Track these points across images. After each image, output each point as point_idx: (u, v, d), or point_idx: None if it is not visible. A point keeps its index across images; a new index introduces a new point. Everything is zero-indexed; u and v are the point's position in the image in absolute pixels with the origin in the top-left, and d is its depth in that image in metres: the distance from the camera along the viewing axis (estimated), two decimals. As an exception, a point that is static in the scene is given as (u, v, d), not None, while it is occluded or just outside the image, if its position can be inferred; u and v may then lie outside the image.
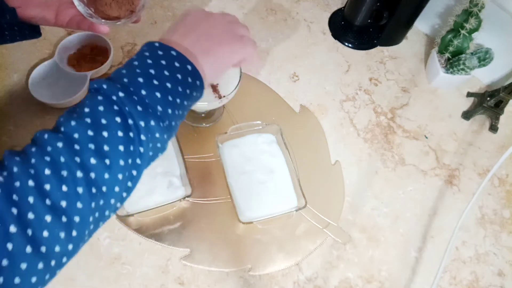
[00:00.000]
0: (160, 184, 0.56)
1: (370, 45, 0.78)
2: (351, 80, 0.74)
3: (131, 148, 0.34)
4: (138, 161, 0.35)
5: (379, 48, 0.79)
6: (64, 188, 0.29)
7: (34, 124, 0.62)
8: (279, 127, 0.61)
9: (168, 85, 0.37)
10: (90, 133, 0.32)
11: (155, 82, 0.36)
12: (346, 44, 0.78)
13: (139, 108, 0.34)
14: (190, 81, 0.39)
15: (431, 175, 0.66)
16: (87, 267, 0.53)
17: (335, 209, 0.61)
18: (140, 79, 0.36)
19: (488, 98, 0.70)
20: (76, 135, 0.32)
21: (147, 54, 0.38)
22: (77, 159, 0.31)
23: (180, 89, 0.38)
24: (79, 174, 0.30)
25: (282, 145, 0.61)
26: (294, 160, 0.63)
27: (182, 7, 0.78)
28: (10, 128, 0.61)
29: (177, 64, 0.38)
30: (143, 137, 0.34)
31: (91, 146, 0.32)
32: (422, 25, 0.81)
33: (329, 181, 0.63)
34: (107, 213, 0.34)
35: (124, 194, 0.35)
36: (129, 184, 0.35)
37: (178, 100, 0.37)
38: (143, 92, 0.35)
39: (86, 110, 0.33)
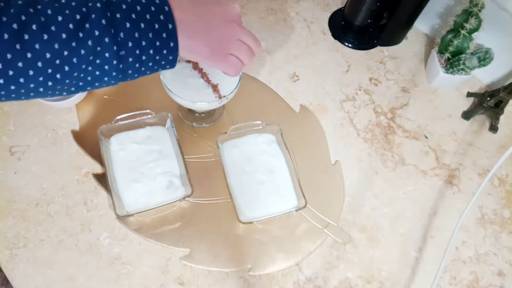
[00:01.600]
0: (160, 184, 0.56)
1: (370, 45, 0.78)
2: (351, 80, 0.74)
3: (73, 43, 0.35)
4: (74, 60, 0.36)
5: (379, 48, 0.79)
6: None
7: (34, 124, 0.62)
8: (279, 127, 0.61)
9: (142, 25, 0.38)
10: (49, 12, 0.35)
11: (133, 16, 0.38)
12: (346, 44, 0.78)
13: (103, 21, 0.36)
14: (164, 36, 0.40)
15: (431, 175, 0.66)
16: (87, 267, 0.53)
17: (335, 209, 0.61)
18: (124, 6, 0.38)
19: (488, 98, 0.70)
20: (43, 10, 0.34)
21: None
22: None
23: (150, 35, 0.39)
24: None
25: (282, 145, 0.61)
26: (294, 160, 0.63)
27: (182, 7, 0.77)
28: (10, 128, 0.61)
29: (161, 17, 0.39)
30: (89, 43, 0.36)
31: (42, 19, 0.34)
32: (422, 25, 0.81)
33: (329, 181, 0.63)
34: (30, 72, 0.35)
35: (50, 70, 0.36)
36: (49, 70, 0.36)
37: (143, 43, 0.39)
38: (118, 15, 0.37)
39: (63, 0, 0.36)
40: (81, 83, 0.39)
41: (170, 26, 0.40)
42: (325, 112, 0.70)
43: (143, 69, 0.42)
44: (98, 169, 0.60)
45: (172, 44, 0.41)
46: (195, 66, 0.57)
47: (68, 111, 0.64)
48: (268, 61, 0.74)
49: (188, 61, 0.58)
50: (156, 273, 0.54)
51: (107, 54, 0.37)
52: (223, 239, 0.57)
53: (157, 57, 0.41)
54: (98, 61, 0.38)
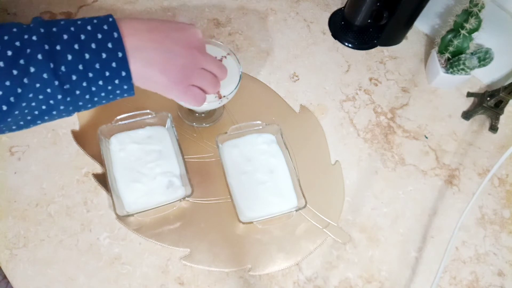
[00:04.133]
0: (160, 184, 0.56)
1: (370, 45, 0.78)
2: (351, 80, 0.74)
3: (7, 83, 0.33)
4: (11, 99, 0.34)
5: (379, 48, 0.79)
6: None
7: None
8: (279, 127, 0.61)
9: (87, 55, 0.36)
10: None
11: (76, 46, 0.35)
12: (346, 44, 0.78)
13: (39, 56, 0.34)
14: (114, 66, 0.37)
15: (431, 175, 0.66)
16: (87, 267, 0.53)
17: (335, 209, 0.61)
18: (65, 36, 0.35)
19: (488, 98, 0.70)
20: None
21: (95, 21, 0.37)
22: None
23: (97, 66, 0.36)
24: None
25: (282, 145, 0.61)
26: (294, 160, 0.63)
27: (182, 7, 0.78)
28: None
29: (109, 46, 0.37)
30: (25, 80, 0.34)
31: None
32: (422, 25, 0.81)
33: (329, 181, 0.63)
34: None
35: None
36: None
37: (90, 74, 0.36)
38: (58, 47, 0.34)
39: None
40: (28, 117, 0.37)
41: (120, 54, 0.37)
42: (325, 112, 0.70)
43: (96, 99, 0.39)
44: (98, 169, 0.60)
45: (124, 74, 0.38)
46: (195, 66, 0.57)
47: (68, 111, 0.64)
48: (268, 61, 0.74)
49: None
50: (156, 273, 0.54)
51: (49, 90, 0.35)
52: (223, 239, 0.57)
53: (109, 87, 0.38)
54: (40, 97, 0.35)
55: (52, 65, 0.34)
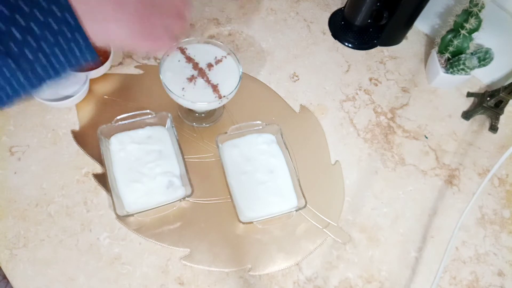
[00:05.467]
0: (160, 184, 0.56)
1: (370, 45, 0.78)
2: (351, 80, 0.74)
3: None
4: None
5: (379, 48, 0.79)
6: None
7: (34, 124, 0.62)
8: (279, 127, 0.61)
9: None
10: None
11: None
12: (346, 44, 0.78)
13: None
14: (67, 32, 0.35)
15: (431, 175, 0.66)
16: (87, 267, 0.53)
17: (335, 209, 0.61)
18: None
19: (488, 98, 0.70)
20: None
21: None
22: None
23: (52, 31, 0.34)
24: None
25: (282, 145, 0.61)
26: (294, 160, 0.63)
27: (182, 7, 0.77)
28: (10, 128, 0.61)
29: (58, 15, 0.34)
30: None
31: None
32: (422, 25, 0.81)
33: (329, 181, 0.63)
34: None
35: None
36: None
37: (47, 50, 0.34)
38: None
39: None
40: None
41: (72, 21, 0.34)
42: (325, 112, 0.70)
43: (53, 60, 0.36)
44: (98, 169, 0.60)
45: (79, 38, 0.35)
46: (195, 66, 0.58)
47: (68, 111, 0.64)
48: (268, 61, 0.74)
49: (188, 61, 0.58)
50: (156, 273, 0.54)
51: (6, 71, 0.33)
52: (223, 239, 0.57)
53: (65, 47, 0.36)
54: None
55: (1, 48, 0.33)
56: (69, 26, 0.35)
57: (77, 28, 0.35)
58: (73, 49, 0.37)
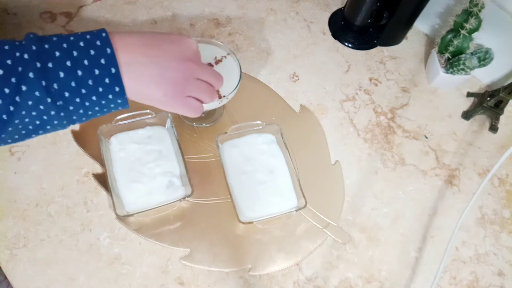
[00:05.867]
0: (160, 184, 0.56)
1: (370, 45, 0.78)
2: (351, 80, 0.74)
3: None
4: (4, 116, 0.35)
5: (379, 48, 0.79)
6: None
7: (34, 124, 0.62)
8: (279, 127, 0.61)
9: (79, 72, 0.36)
10: None
11: (68, 63, 0.35)
12: (346, 44, 0.78)
13: (30, 75, 0.34)
14: (107, 82, 0.37)
15: (431, 175, 0.66)
16: (87, 267, 0.53)
17: (335, 209, 0.61)
18: (57, 53, 0.35)
19: (488, 98, 0.70)
20: None
21: (88, 37, 0.37)
22: None
23: (90, 82, 0.36)
24: None
25: (282, 145, 0.61)
26: (294, 160, 0.63)
27: (182, 6, 0.78)
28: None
29: (102, 62, 0.37)
30: (17, 99, 0.34)
31: None
32: (422, 25, 0.81)
33: (329, 181, 0.63)
34: None
35: None
36: None
37: (83, 90, 0.36)
38: (50, 65, 0.35)
39: None
40: (23, 132, 0.37)
41: (113, 70, 0.37)
42: (325, 112, 0.70)
43: (90, 113, 0.39)
44: (98, 169, 0.60)
45: (117, 89, 0.38)
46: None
47: (68, 111, 0.63)
48: (268, 61, 0.74)
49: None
50: (156, 273, 0.54)
51: (41, 107, 0.35)
52: (223, 239, 0.57)
53: (103, 102, 0.38)
54: (34, 113, 0.36)
55: (44, 83, 0.34)
56: (110, 74, 0.37)
57: (116, 77, 0.38)
58: (108, 97, 0.39)
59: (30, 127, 0.37)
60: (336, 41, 0.78)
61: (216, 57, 0.59)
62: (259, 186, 0.58)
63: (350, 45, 0.78)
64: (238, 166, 0.59)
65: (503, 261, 0.60)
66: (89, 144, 0.61)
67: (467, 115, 0.72)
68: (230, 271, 0.55)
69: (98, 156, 0.59)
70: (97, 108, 0.39)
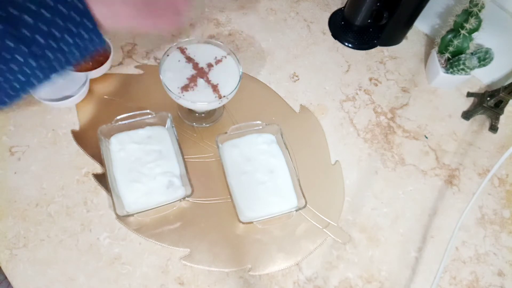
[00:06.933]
0: (160, 184, 0.56)
1: (370, 45, 0.78)
2: (351, 80, 0.74)
3: None
4: None
5: (379, 48, 0.79)
6: None
7: (34, 124, 0.62)
8: (279, 127, 0.61)
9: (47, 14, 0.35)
10: None
11: (33, 7, 0.34)
12: (346, 44, 0.78)
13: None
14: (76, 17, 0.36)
15: (431, 175, 0.66)
16: (87, 267, 0.53)
17: (335, 209, 0.61)
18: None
19: (488, 98, 0.70)
20: None
21: None
22: None
23: (60, 22, 0.35)
24: None
25: (282, 145, 0.61)
26: (294, 160, 0.63)
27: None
28: (10, 128, 0.61)
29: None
30: None
31: None
32: (422, 25, 0.81)
33: (329, 181, 0.63)
34: None
35: None
36: None
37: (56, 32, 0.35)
38: (15, 12, 0.33)
39: None
40: (12, 93, 0.37)
41: (81, 6, 0.36)
42: (325, 112, 0.70)
43: (67, 50, 0.37)
44: (98, 169, 0.60)
45: (88, 24, 0.37)
46: (195, 66, 0.58)
47: (68, 111, 0.64)
48: (268, 61, 0.74)
49: (188, 61, 0.58)
50: (156, 273, 0.54)
51: (19, 57, 0.35)
52: (223, 239, 0.57)
53: (78, 40, 0.37)
54: (15, 68, 0.35)
55: (14, 32, 0.34)
56: (77, 10, 0.36)
57: (85, 12, 0.36)
58: (82, 33, 0.37)
59: (16, 84, 0.36)
60: (336, 41, 0.78)
61: (216, 57, 0.59)
62: (259, 186, 0.58)
63: (350, 45, 0.78)
64: (238, 166, 0.59)
65: (503, 261, 0.60)
66: (89, 144, 0.61)
67: (467, 115, 0.72)
68: (230, 271, 0.55)
69: (98, 156, 0.59)
70: (73, 46, 0.37)
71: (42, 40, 0.35)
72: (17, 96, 0.38)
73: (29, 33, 0.34)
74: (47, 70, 0.38)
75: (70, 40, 0.37)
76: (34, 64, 0.36)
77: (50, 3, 0.35)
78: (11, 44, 0.34)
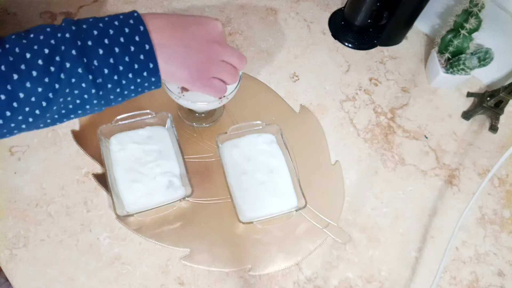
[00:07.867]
0: (160, 184, 0.56)
1: (370, 45, 0.78)
2: (351, 80, 0.74)
3: (46, 79, 0.35)
4: (50, 95, 0.36)
5: (379, 48, 0.79)
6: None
7: (34, 124, 0.62)
8: (279, 127, 0.61)
9: (116, 49, 0.38)
10: (17, 50, 0.35)
11: (106, 41, 0.37)
12: (346, 44, 0.78)
13: (73, 52, 0.35)
14: (142, 58, 0.39)
15: (431, 175, 0.66)
16: (87, 267, 0.53)
17: (335, 209, 0.61)
18: (95, 32, 0.37)
19: (488, 98, 0.70)
20: (10, 50, 0.35)
21: (121, 17, 0.39)
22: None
23: (127, 59, 0.38)
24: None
25: (282, 145, 0.61)
26: (294, 160, 0.63)
27: (182, 6, 0.78)
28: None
29: (137, 39, 0.39)
30: (62, 76, 0.36)
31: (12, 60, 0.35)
32: (422, 25, 0.81)
33: (329, 181, 0.63)
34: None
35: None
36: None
37: (120, 67, 0.38)
38: (89, 43, 0.36)
39: (31, 35, 0.36)
40: (63, 111, 0.39)
41: (147, 46, 0.39)
42: (325, 112, 0.70)
43: (126, 92, 0.41)
44: (98, 169, 0.60)
45: (151, 65, 0.40)
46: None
47: (68, 111, 0.63)
48: (268, 61, 0.74)
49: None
50: (156, 273, 0.54)
51: (83, 84, 0.37)
52: (223, 239, 0.57)
53: (138, 80, 0.40)
54: (76, 92, 0.37)
55: (85, 60, 0.36)
56: (144, 52, 0.39)
57: (150, 54, 0.40)
58: (143, 73, 0.40)
59: (71, 106, 0.38)
60: (336, 41, 0.78)
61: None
62: (259, 186, 0.58)
63: (350, 45, 0.78)
64: (238, 166, 0.59)
65: (503, 261, 0.60)
66: (89, 144, 0.61)
67: (467, 115, 0.72)
68: (230, 271, 0.55)
69: (98, 156, 0.59)
70: (132, 87, 0.41)
71: (106, 71, 0.38)
72: (63, 119, 0.41)
73: (98, 64, 0.37)
74: (103, 100, 0.40)
75: (132, 78, 0.40)
76: (93, 91, 0.38)
77: (121, 40, 0.38)
78: (80, 72, 0.36)
